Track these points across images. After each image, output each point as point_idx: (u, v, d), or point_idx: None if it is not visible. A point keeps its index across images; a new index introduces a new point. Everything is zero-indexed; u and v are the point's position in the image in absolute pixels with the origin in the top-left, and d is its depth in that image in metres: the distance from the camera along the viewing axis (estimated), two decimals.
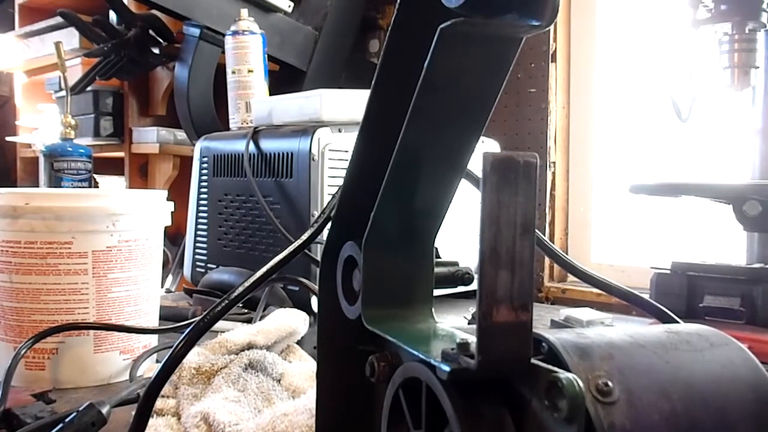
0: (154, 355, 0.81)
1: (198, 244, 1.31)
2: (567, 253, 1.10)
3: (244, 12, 1.39)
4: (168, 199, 0.84)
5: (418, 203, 0.41)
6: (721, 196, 0.91)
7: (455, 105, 0.37)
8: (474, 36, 0.35)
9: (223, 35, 1.41)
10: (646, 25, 1.39)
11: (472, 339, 0.31)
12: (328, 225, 0.47)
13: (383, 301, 0.42)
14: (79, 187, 1.51)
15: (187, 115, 1.51)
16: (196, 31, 1.48)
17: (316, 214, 1.04)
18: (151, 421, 0.59)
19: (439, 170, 0.40)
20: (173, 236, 1.74)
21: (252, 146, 1.16)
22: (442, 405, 0.33)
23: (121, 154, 1.98)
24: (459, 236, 0.88)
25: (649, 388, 0.31)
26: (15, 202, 0.73)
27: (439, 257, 0.44)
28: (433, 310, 0.43)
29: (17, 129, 2.42)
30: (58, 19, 1.78)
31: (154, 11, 1.51)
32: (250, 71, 1.38)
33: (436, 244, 0.44)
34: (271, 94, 1.40)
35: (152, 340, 0.83)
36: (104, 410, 0.57)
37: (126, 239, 0.76)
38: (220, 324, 0.64)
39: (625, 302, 0.54)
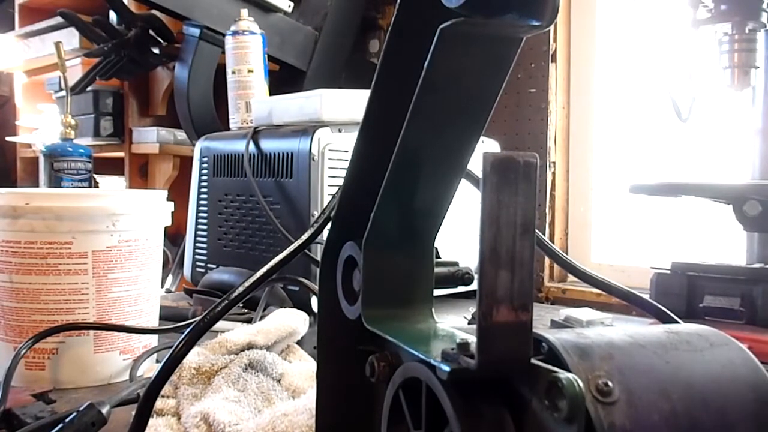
0: (154, 355, 0.81)
1: (198, 244, 1.31)
2: (567, 253, 1.10)
3: (244, 12, 1.39)
4: (168, 199, 0.84)
5: (418, 203, 0.41)
6: (721, 196, 0.91)
7: (455, 105, 0.37)
8: (474, 36, 0.35)
9: (223, 35, 1.41)
10: (646, 25, 1.39)
11: (472, 339, 0.31)
12: (328, 225, 0.47)
13: (383, 301, 0.42)
14: (79, 187, 1.51)
15: (187, 115, 1.51)
16: (196, 31, 1.48)
17: (316, 214, 1.04)
18: (151, 421, 0.59)
19: (439, 170, 0.40)
20: (173, 236, 1.74)
21: (252, 146, 1.16)
22: (442, 405, 0.33)
23: (121, 154, 1.98)
24: (459, 236, 0.88)
25: (649, 388, 0.31)
26: (15, 202, 0.73)
27: (439, 257, 0.44)
28: (433, 310, 0.43)
29: (17, 129, 2.42)
30: (58, 19, 1.78)
31: (154, 11, 1.51)
32: (250, 71, 1.38)
33: (436, 244, 0.44)
34: (271, 94, 1.40)
35: (152, 340, 0.83)
36: (104, 410, 0.57)
37: (126, 239, 0.76)
38: (220, 324, 0.64)
39: (625, 302, 0.54)
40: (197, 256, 1.31)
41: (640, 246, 1.41)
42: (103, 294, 0.75)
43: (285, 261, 0.51)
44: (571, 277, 1.46)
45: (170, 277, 1.65)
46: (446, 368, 0.32)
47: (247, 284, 0.50)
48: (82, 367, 0.75)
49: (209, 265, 1.27)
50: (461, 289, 0.50)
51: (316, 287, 0.48)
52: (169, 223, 0.83)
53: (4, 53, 2.31)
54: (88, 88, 1.68)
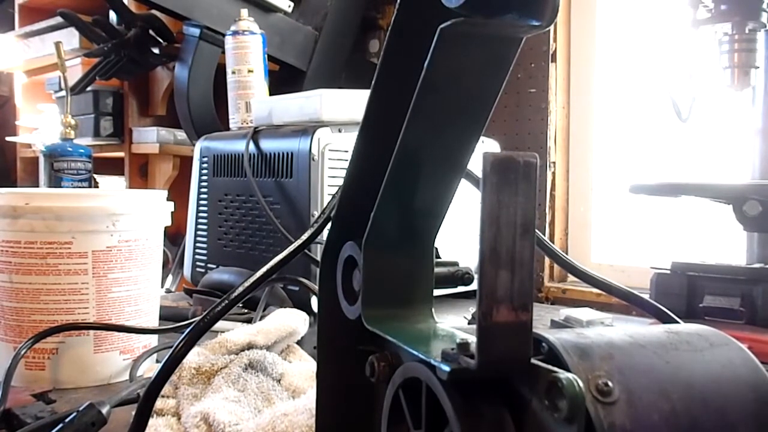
0: (154, 355, 0.81)
1: (198, 244, 1.31)
2: (567, 253, 1.10)
3: (244, 12, 1.39)
4: (168, 199, 0.84)
5: (418, 203, 0.41)
6: (721, 196, 0.91)
7: (455, 105, 0.37)
8: (474, 36, 0.35)
9: (223, 35, 1.41)
10: (646, 25, 1.39)
11: (472, 339, 0.31)
12: (328, 225, 0.47)
13: (383, 301, 0.42)
14: (79, 187, 1.51)
15: (187, 115, 1.51)
16: (196, 31, 1.48)
17: (316, 214, 1.04)
18: (151, 421, 0.59)
19: (439, 170, 0.40)
20: (173, 236, 1.74)
21: (252, 146, 1.16)
22: (442, 405, 0.33)
23: (121, 154, 1.98)
24: (459, 236, 0.88)
25: (649, 388, 0.31)
26: (15, 202, 0.73)
27: (439, 257, 0.44)
28: (433, 310, 0.43)
29: (17, 129, 2.42)
30: (58, 19, 1.78)
31: (154, 11, 1.51)
32: (250, 71, 1.38)
33: (436, 244, 0.44)
34: (271, 94, 1.40)
35: (152, 340, 0.83)
36: (104, 410, 0.57)
37: (126, 239, 0.76)
38: (220, 324, 0.64)
39: (625, 302, 0.54)
40: (197, 256, 1.31)
41: (640, 246, 1.41)
42: (103, 294, 0.75)
43: (285, 261, 0.51)
44: (571, 277, 1.46)
45: (170, 277, 1.65)
46: (446, 368, 0.32)
47: (247, 284, 0.50)
48: (82, 367, 0.75)
49: (209, 265, 1.27)
50: (461, 289, 0.50)
51: (316, 287, 0.48)
52: (169, 223, 0.83)
53: (4, 53, 2.31)
54: (88, 88, 1.68)
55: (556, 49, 1.45)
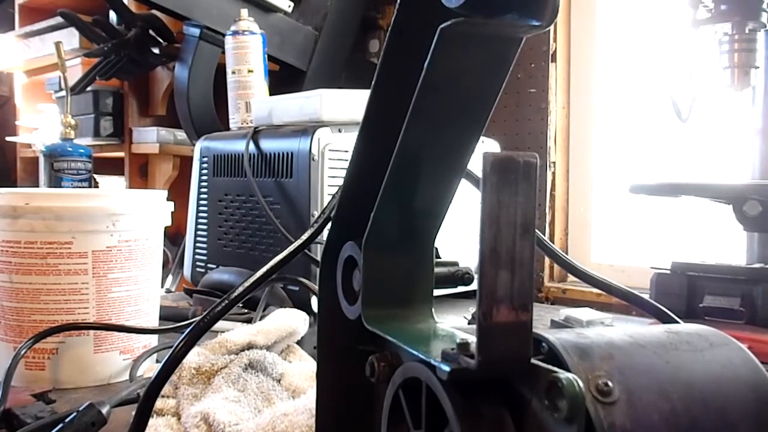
0: (154, 355, 0.81)
1: (198, 244, 1.31)
2: (567, 253, 1.10)
3: (244, 12, 1.39)
4: (168, 199, 0.84)
5: (418, 203, 0.41)
6: (721, 196, 0.91)
7: (455, 105, 0.37)
8: (474, 36, 0.35)
9: (223, 35, 1.41)
10: (646, 25, 1.39)
11: (472, 339, 0.31)
12: (328, 225, 0.47)
13: (383, 301, 0.42)
14: (79, 187, 1.51)
15: (187, 115, 1.51)
16: (196, 31, 1.48)
17: (316, 214, 1.04)
18: (151, 421, 0.59)
19: (439, 170, 0.40)
20: (173, 236, 1.74)
21: (252, 146, 1.16)
22: (442, 405, 0.33)
23: (121, 154, 1.98)
24: (459, 236, 0.88)
25: (649, 388, 0.31)
26: (15, 202, 0.73)
27: (439, 257, 0.44)
28: (433, 310, 0.43)
29: (17, 129, 2.42)
30: (58, 19, 1.78)
31: (154, 11, 1.51)
32: (250, 71, 1.38)
33: (436, 244, 0.44)
34: (271, 94, 1.40)
35: (152, 340, 0.83)
36: (104, 410, 0.57)
37: (126, 239, 0.76)
38: (220, 324, 0.64)
39: (625, 302, 0.54)
40: (197, 256, 1.31)
41: (640, 246, 1.41)
42: (103, 294, 0.75)
43: (285, 261, 0.51)
44: (571, 277, 1.46)
45: (170, 277, 1.65)
46: (446, 368, 0.32)
47: (247, 284, 0.50)
48: (82, 367, 0.75)
49: (209, 265, 1.27)
50: (461, 289, 0.50)
51: (316, 287, 0.48)
52: (169, 223, 0.83)
53: (4, 53, 2.31)
54: (88, 88, 1.68)
55: (556, 49, 1.45)
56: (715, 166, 1.30)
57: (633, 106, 1.43)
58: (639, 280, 1.16)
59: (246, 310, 1.01)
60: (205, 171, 1.29)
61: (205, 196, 1.29)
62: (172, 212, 0.84)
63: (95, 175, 1.65)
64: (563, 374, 0.29)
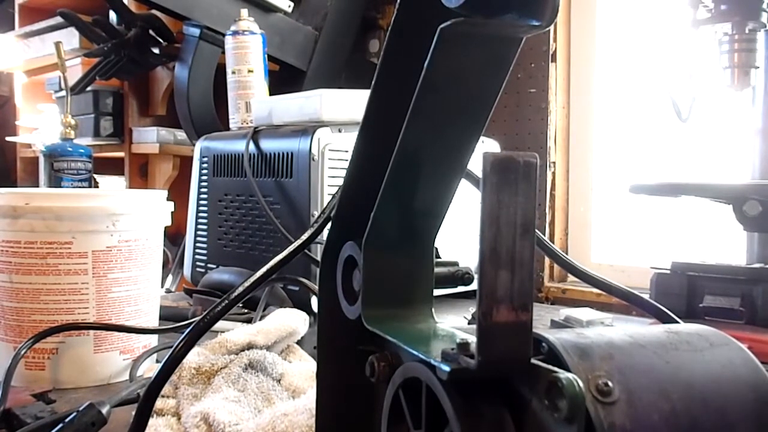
0: (154, 355, 0.81)
1: (198, 244, 1.31)
2: (567, 253, 1.10)
3: (244, 12, 1.39)
4: (168, 199, 0.84)
5: (418, 203, 0.41)
6: (721, 196, 0.91)
7: (455, 105, 0.37)
8: (474, 36, 0.35)
9: (223, 35, 1.41)
10: (646, 25, 1.39)
11: (472, 339, 0.31)
12: (328, 225, 0.47)
13: (383, 301, 0.42)
14: (79, 187, 1.51)
15: (187, 115, 1.51)
16: (196, 31, 1.48)
17: (316, 214, 1.04)
18: (151, 421, 0.59)
19: (439, 170, 0.40)
20: (173, 236, 1.74)
21: (252, 146, 1.16)
22: (442, 405, 0.33)
23: (121, 154, 1.98)
24: (459, 236, 0.88)
25: (649, 388, 0.31)
26: (15, 202, 0.73)
27: (439, 257, 0.44)
28: (433, 310, 0.43)
29: (17, 129, 2.42)
30: (58, 19, 1.78)
31: (154, 11, 1.51)
32: (250, 71, 1.38)
33: (436, 244, 0.44)
34: (271, 94, 1.40)
35: (152, 340, 0.83)
36: (104, 410, 0.57)
37: (126, 239, 0.76)
38: (220, 324, 0.64)
39: (625, 302, 0.54)
40: (197, 256, 1.31)
41: (640, 246, 1.41)
42: (103, 294, 0.75)
43: (285, 261, 0.51)
44: (571, 277, 1.46)
45: (170, 277, 1.65)
46: (446, 368, 0.32)
47: (247, 284, 0.50)
48: (82, 367, 0.75)
49: (209, 265, 1.27)
50: (461, 289, 0.50)
51: (316, 287, 0.48)
52: (169, 223, 0.83)
53: (4, 53, 2.31)
54: (88, 88, 1.68)
55: (556, 49, 1.45)
56: (715, 166, 1.30)
57: (633, 106, 1.43)
58: (639, 280, 1.16)
59: (246, 310, 1.01)
60: (205, 171, 1.29)
61: (205, 196, 1.29)
62: (172, 212, 0.84)
63: (95, 175, 1.65)
64: (563, 374, 0.29)
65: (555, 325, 0.90)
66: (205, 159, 1.29)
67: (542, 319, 0.99)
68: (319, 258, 0.50)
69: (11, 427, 0.61)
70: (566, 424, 0.28)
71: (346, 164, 0.44)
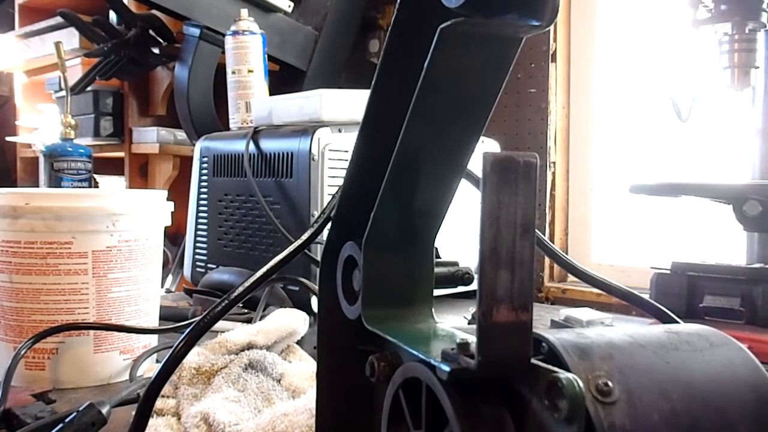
0: (154, 355, 0.81)
1: (198, 244, 1.31)
2: (567, 253, 1.10)
3: (244, 12, 1.39)
4: (168, 199, 0.84)
5: (418, 203, 0.41)
6: (721, 196, 0.91)
7: (455, 105, 0.37)
8: (474, 36, 0.35)
9: (223, 35, 1.41)
10: (646, 25, 1.39)
11: (472, 339, 0.31)
12: (328, 225, 0.47)
13: (383, 301, 0.42)
14: (79, 187, 1.51)
15: (187, 115, 1.51)
16: (196, 31, 1.48)
17: (316, 214, 1.04)
18: (151, 421, 0.59)
19: (439, 170, 0.40)
20: (173, 236, 1.74)
21: (252, 146, 1.16)
22: (442, 405, 0.33)
23: (121, 154, 1.98)
24: (459, 236, 0.88)
25: (649, 388, 0.31)
26: (15, 202, 0.73)
27: (439, 257, 0.44)
28: (433, 310, 0.43)
29: (17, 129, 2.42)
30: (58, 19, 1.78)
31: (154, 11, 1.51)
32: (250, 71, 1.38)
33: (436, 244, 0.44)
34: (271, 94, 1.40)
35: (152, 340, 0.83)
36: (104, 410, 0.57)
37: (126, 239, 0.76)
38: (220, 324, 0.64)
39: (625, 302, 0.54)
40: (197, 256, 1.31)
41: (640, 246, 1.41)
42: (103, 294, 0.75)
43: (285, 261, 0.51)
44: (571, 277, 1.46)
45: (170, 277, 1.65)
46: (446, 368, 0.32)
47: (247, 284, 0.50)
48: (82, 367, 0.75)
49: (209, 265, 1.27)
50: (461, 289, 0.50)
51: (316, 287, 0.48)
52: (169, 223, 0.83)
53: (4, 53, 2.31)
54: (88, 88, 1.68)
55: (556, 49, 1.45)
56: (715, 166, 1.30)
57: (633, 106, 1.43)
58: (639, 280, 1.16)
59: (246, 310, 1.01)
60: (205, 171, 1.29)
61: (205, 196, 1.29)
62: (172, 212, 0.84)
63: (95, 175, 1.65)
64: (563, 374, 0.29)
65: (555, 325, 0.90)
66: (205, 159, 1.29)
67: (542, 319, 0.99)
68: (319, 258, 0.50)
69: (11, 427, 0.61)
70: (566, 424, 0.28)
71: (346, 164, 0.44)
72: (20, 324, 0.74)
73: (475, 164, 0.34)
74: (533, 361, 0.31)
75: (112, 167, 2.04)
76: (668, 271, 0.93)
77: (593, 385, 0.30)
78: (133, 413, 0.47)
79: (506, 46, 0.35)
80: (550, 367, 0.30)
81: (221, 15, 1.45)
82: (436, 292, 0.44)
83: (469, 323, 0.91)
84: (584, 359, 0.31)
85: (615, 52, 1.45)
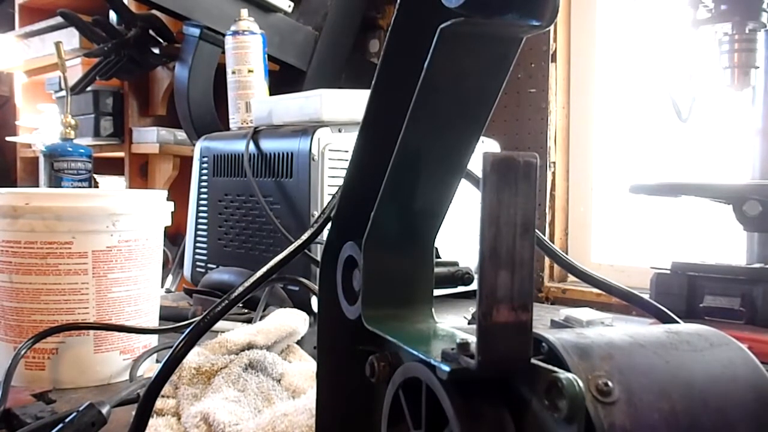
0: (154, 355, 0.81)
1: (198, 244, 1.31)
2: (567, 253, 1.10)
3: (244, 12, 1.39)
4: (168, 199, 0.84)
5: (418, 203, 0.41)
6: (721, 196, 0.91)
7: (455, 105, 0.37)
8: (474, 36, 0.35)
9: (223, 35, 1.41)
10: (647, 24, 1.39)
11: (472, 339, 0.31)
12: (328, 225, 0.47)
13: (383, 301, 0.42)
14: (79, 187, 1.51)
15: (187, 115, 1.51)
16: (196, 31, 1.48)
17: (316, 214, 1.04)
18: (151, 421, 0.59)
19: (439, 170, 0.40)
20: (173, 236, 1.74)
21: (252, 146, 1.16)
22: (442, 405, 0.33)
23: (121, 154, 1.98)
24: (459, 236, 0.88)
25: (649, 388, 0.31)
26: (15, 202, 0.73)
27: (439, 257, 0.44)
28: (433, 310, 0.43)
29: (17, 129, 2.42)
30: (58, 19, 1.78)
31: (154, 11, 1.51)
32: (250, 71, 1.38)
33: (436, 244, 0.44)
34: (271, 94, 1.40)
35: (152, 340, 0.83)
36: (104, 410, 0.57)
37: (126, 239, 0.76)
38: (220, 324, 0.64)
39: (625, 302, 0.54)
40: (197, 256, 1.31)
41: (640, 246, 1.41)
42: (103, 294, 0.75)
43: (285, 261, 0.51)
44: (571, 277, 1.46)
45: (170, 277, 1.65)
46: (446, 368, 0.32)
47: (247, 284, 0.50)
48: (82, 367, 0.75)
49: (209, 265, 1.27)
50: (461, 289, 0.50)
51: (316, 287, 0.48)
52: (169, 223, 0.83)
53: (4, 53, 2.31)
54: (88, 88, 1.68)
55: (556, 49, 1.45)
56: (715, 166, 1.30)
57: (633, 106, 1.43)
58: (639, 280, 1.15)
59: (246, 310, 1.01)
60: (205, 171, 1.29)
61: (205, 196, 1.29)
62: (172, 212, 0.84)
63: (95, 175, 1.65)
64: (563, 374, 0.29)
65: (555, 325, 0.90)
66: (205, 159, 1.29)
67: (542, 319, 0.99)
68: (319, 258, 0.50)
69: (11, 427, 0.61)
70: (566, 424, 0.28)
71: (346, 164, 0.44)
72: (20, 324, 0.74)
73: (475, 164, 0.34)
74: (533, 361, 0.31)
75: (112, 167, 2.04)
76: (668, 271, 0.93)
77: (593, 385, 0.30)
78: (133, 413, 0.47)
79: (506, 46, 0.35)
80: (550, 367, 0.30)
81: (221, 15, 1.45)
82: (436, 292, 0.44)
83: (469, 323, 0.91)
84: (584, 359, 0.31)
85: (615, 52, 1.45)
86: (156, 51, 1.56)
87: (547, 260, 1.45)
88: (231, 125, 1.40)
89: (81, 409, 0.56)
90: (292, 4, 1.57)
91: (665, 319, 0.50)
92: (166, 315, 0.98)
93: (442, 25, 0.34)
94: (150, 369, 0.78)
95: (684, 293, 0.91)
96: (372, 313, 0.42)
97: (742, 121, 1.05)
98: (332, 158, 1.05)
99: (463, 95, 0.37)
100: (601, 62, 1.46)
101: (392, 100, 0.40)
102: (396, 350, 0.40)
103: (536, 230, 0.32)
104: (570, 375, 0.29)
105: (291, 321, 0.80)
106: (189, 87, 1.50)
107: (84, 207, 0.74)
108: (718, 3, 0.94)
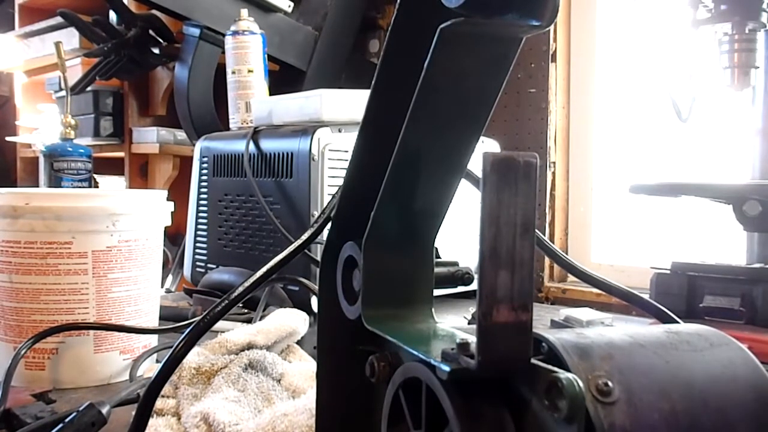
0: (154, 355, 0.81)
1: (198, 244, 1.31)
2: (567, 253, 1.10)
3: (244, 12, 1.39)
4: (168, 199, 0.84)
5: (418, 203, 0.41)
6: (721, 196, 0.91)
7: (455, 105, 0.37)
8: (474, 36, 0.35)
9: (223, 35, 1.41)
10: (647, 24, 1.39)
11: (472, 339, 0.31)
12: (328, 225, 0.47)
13: (383, 301, 0.42)
14: (79, 187, 1.51)
15: (187, 115, 1.51)
16: (196, 31, 1.48)
17: (316, 214, 1.04)
18: (151, 421, 0.59)
19: (439, 170, 0.40)
20: (173, 236, 1.74)
21: (252, 146, 1.16)
22: (442, 405, 0.33)
23: (121, 154, 1.98)
24: (459, 236, 0.88)
25: (649, 388, 0.31)
26: (15, 202, 0.73)
27: (439, 257, 0.44)
28: (433, 310, 0.43)
29: (17, 129, 2.42)
30: (58, 19, 1.78)
31: (154, 11, 1.51)
32: (250, 71, 1.38)
33: (436, 244, 0.44)
34: (271, 94, 1.40)
35: (152, 340, 0.83)
36: (104, 410, 0.57)
37: (126, 239, 0.76)
38: (220, 324, 0.64)
39: (625, 302, 0.54)
40: (197, 256, 1.31)
41: (640, 246, 1.41)
42: (103, 294, 0.75)
43: (285, 261, 0.51)
44: (571, 277, 1.46)
45: (170, 277, 1.65)
46: (446, 368, 0.32)
47: (247, 284, 0.50)
48: (82, 367, 0.75)
49: (209, 265, 1.27)
50: (461, 289, 0.50)
51: (316, 287, 0.48)
52: (169, 223, 0.83)
53: (4, 53, 2.31)
54: (88, 88, 1.68)
55: (556, 49, 1.45)
56: (715, 166, 1.30)
57: (633, 106, 1.43)
58: (639, 280, 1.15)
59: (246, 310, 1.01)
60: (205, 171, 1.29)
61: (205, 196, 1.29)
62: (172, 212, 0.84)
63: (95, 175, 1.65)
64: (563, 374, 0.29)
65: (555, 325, 0.90)
66: (205, 159, 1.29)
67: (542, 319, 0.99)
68: (319, 258, 0.50)
69: (11, 427, 0.61)
70: (566, 424, 0.28)
71: (346, 164, 0.44)
72: (20, 324, 0.74)
73: (475, 164, 0.34)
74: (533, 361, 0.31)
75: (112, 167, 2.04)
76: (668, 271, 0.93)
77: (593, 385, 0.30)
78: (133, 413, 0.47)
79: (506, 46, 0.35)
80: (550, 367, 0.30)
81: (221, 15, 1.45)
82: (436, 292, 0.44)
83: (469, 323, 0.91)
84: (584, 359, 0.31)
85: (615, 52, 1.45)
86: (156, 51, 1.56)
87: (547, 260, 1.45)
88: (231, 125, 1.40)
89: (81, 409, 0.56)
90: (292, 4, 1.57)
91: (665, 319, 0.50)
92: (166, 315, 0.98)
93: (442, 25, 0.34)
94: (150, 369, 0.78)
95: (684, 293, 0.91)
96: (372, 313, 0.42)
97: (742, 121, 1.05)
98: (332, 158, 1.05)
99: (463, 95, 0.37)
100: (601, 62, 1.46)
101: (392, 100, 0.40)
102: (396, 350, 0.40)
103: (536, 230, 0.32)
104: (570, 375, 0.29)
105: (291, 321, 0.80)
106: (189, 87, 1.50)
107: (84, 207, 0.74)
108: (718, 3, 0.94)
